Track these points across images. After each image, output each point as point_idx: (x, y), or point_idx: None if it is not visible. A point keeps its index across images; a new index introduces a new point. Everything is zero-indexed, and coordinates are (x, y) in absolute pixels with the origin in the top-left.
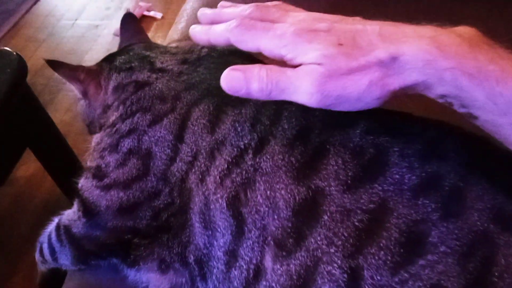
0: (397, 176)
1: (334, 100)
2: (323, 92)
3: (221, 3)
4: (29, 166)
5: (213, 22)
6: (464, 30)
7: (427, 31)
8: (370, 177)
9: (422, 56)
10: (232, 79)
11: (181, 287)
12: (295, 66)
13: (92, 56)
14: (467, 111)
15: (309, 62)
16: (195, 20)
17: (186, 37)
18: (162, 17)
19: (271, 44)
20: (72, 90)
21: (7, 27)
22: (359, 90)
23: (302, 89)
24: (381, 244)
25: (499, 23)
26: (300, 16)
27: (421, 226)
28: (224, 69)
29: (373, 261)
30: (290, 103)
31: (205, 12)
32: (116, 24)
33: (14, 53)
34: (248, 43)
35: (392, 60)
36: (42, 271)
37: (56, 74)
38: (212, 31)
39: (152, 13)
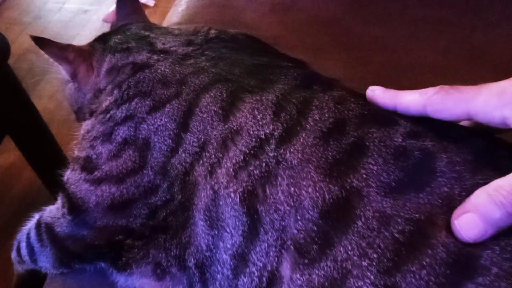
0: (446, 189)
1: None
2: None
3: None
4: (8, 155)
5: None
6: None
7: None
8: (415, 184)
9: None
10: (470, 228)
11: None
12: None
13: (79, 43)
14: None
15: None
16: (197, 3)
17: (187, 20)
18: (155, 5)
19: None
20: (59, 71)
21: None
22: None
23: None
24: (424, 262)
25: None
26: None
27: (473, 246)
28: (241, 53)
29: (413, 280)
30: (321, 91)
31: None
32: (106, 9)
33: None
34: (452, 110)
35: None
36: (18, 272)
37: (41, 58)
38: (401, 97)
39: (144, 0)
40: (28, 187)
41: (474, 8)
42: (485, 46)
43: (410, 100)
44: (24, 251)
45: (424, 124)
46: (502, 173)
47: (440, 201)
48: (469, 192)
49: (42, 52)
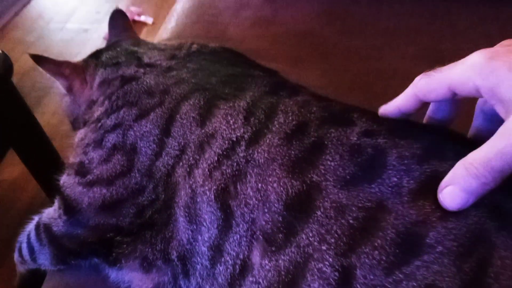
0: (395, 179)
1: None
2: None
3: None
4: (13, 169)
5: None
6: None
7: None
8: (368, 176)
9: None
10: (453, 199)
11: (164, 286)
12: None
13: None
14: None
15: None
16: (185, 20)
17: (176, 36)
18: (153, 22)
19: (463, 76)
20: (57, 86)
21: None
22: None
23: None
24: (376, 244)
25: (494, 25)
26: None
27: (419, 227)
28: (218, 65)
29: (366, 260)
30: (287, 97)
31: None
32: (105, 28)
33: (0, 51)
34: (438, 90)
35: None
36: (21, 272)
37: (43, 75)
38: (397, 100)
39: (143, 18)
40: (32, 200)
41: (443, 17)
42: (452, 53)
43: (404, 97)
44: (25, 251)
45: (380, 124)
46: (449, 164)
47: (389, 189)
48: (416, 180)
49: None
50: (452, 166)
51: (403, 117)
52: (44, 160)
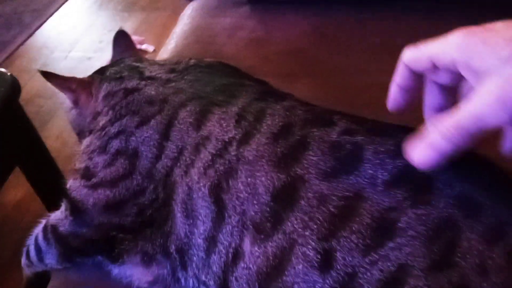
0: (371, 171)
1: None
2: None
3: None
4: (17, 191)
5: None
6: None
7: None
8: (346, 169)
9: None
10: (419, 155)
11: (163, 279)
12: None
13: None
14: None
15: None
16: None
17: (176, 56)
18: (154, 50)
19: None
20: (64, 100)
21: (2, 58)
22: None
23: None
24: (354, 228)
25: None
26: None
27: (392, 213)
28: (213, 76)
29: (345, 243)
30: (275, 102)
31: None
32: (108, 56)
33: (8, 73)
34: (422, 59)
35: None
36: (27, 275)
37: (48, 101)
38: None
39: (144, 46)
40: (36, 220)
41: (426, 32)
42: None
43: (397, 72)
44: (32, 253)
45: (359, 124)
46: None
47: (366, 180)
48: (389, 172)
49: (49, 96)
50: None
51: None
52: (48, 179)
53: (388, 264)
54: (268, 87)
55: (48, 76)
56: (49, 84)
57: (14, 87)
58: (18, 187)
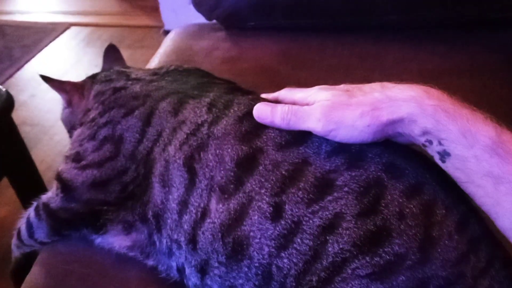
0: (317, 144)
1: (335, 125)
2: (327, 118)
3: None
4: (2, 207)
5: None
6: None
7: (417, 85)
8: (297, 142)
9: (410, 95)
10: (262, 111)
11: (140, 243)
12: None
13: None
14: (442, 148)
15: (320, 99)
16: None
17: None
18: None
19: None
20: (59, 100)
21: None
22: (353, 117)
23: (313, 117)
24: (300, 186)
25: (413, 63)
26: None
27: (332, 174)
28: (190, 77)
29: (293, 198)
30: (241, 95)
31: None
32: None
33: (4, 89)
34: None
35: (386, 99)
36: (16, 257)
37: (34, 129)
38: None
39: None
40: None
41: (374, 55)
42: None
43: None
44: (23, 231)
45: None
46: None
47: (312, 150)
48: (331, 144)
49: (35, 124)
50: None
51: None
52: (34, 190)
53: (327, 213)
54: (236, 85)
55: (47, 79)
56: (35, 113)
57: (8, 101)
58: (2, 204)
